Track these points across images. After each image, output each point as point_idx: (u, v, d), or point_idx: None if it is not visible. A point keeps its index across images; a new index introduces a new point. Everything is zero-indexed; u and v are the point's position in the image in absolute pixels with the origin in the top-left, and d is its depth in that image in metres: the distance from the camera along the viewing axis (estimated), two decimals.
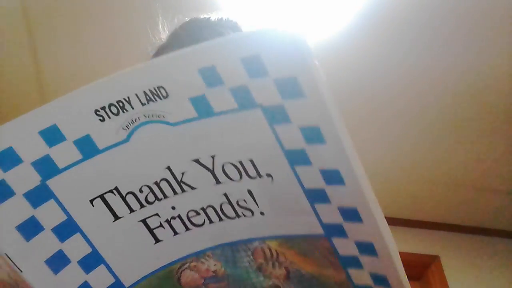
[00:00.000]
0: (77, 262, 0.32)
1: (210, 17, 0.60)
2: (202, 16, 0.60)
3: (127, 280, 0.34)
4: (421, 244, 2.24)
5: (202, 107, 0.28)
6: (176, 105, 0.28)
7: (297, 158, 0.30)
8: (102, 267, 0.33)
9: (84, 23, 1.60)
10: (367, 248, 0.32)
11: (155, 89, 0.27)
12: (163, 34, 0.61)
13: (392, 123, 1.88)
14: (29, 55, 1.70)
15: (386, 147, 1.97)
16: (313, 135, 0.28)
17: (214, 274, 0.36)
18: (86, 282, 0.33)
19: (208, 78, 0.27)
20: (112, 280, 0.34)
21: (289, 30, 0.25)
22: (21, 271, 0.30)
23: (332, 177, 0.29)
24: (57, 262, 0.31)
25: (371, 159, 2.01)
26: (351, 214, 0.31)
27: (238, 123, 0.29)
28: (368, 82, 1.72)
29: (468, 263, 2.23)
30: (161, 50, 0.59)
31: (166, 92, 0.28)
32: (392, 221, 2.28)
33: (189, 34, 0.57)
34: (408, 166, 2.06)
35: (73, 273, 0.32)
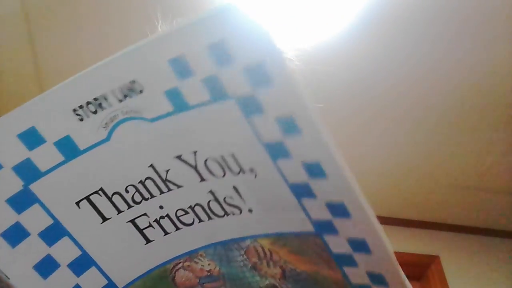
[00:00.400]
0: (67, 265, 0.32)
1: None
2: None
3: (120, 281, 0.34)
4: (421, 244, 2.24)
5: (177, 101, 0.28)
6: (152, 100, 0.28)
7: (277, 151, 0.29)
8: (93, 269, 0.33)
9: (84, 25, 1.60)
10: (360, 245, 0.32)
11: (129, 84, 0.27)
12: None
13: (393, 124, 1.88)
14: (29, 55, 1.70)
15: (386, 147, 1.97)
16: (289, 125, 0.27)
17: (208, 273, 0.36)
18: (77, 285, 0.32)
19: (179, 69, 0.26)
20: (105, 281, 0.33)
21: (250, 14, 0.24)
22: (8, 278, 0.30)
23: (314, 170, 0.29)
24: (46, 267, 0.31)
25: (372, 159, 2.01)
26: (339, 209, 0.30)
27: (213, 116, 0.28)
28: (370, 84, 1.72)
29: (468, 263, 2.23)
30: None
31: (141, 86, 0.27)
32: (392, 221, 2.28)
33: None
34: (408, 166, 2.06)
35: (63, 277, 0.32)
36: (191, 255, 0.35)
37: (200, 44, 0.25)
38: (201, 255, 0.35)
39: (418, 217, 2.31)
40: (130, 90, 0.27)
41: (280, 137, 0.28)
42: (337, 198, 0.30)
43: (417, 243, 2.23)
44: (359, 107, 1.80)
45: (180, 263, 0.35)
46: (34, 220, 0.30)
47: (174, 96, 0.27)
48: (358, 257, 0.32)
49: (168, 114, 0.28)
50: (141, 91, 0.27)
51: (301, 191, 0.31)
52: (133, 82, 0.27)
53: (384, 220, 2.27)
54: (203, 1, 1.47)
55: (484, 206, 2.24)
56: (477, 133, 1.89)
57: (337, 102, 1.75)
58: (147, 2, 1.41)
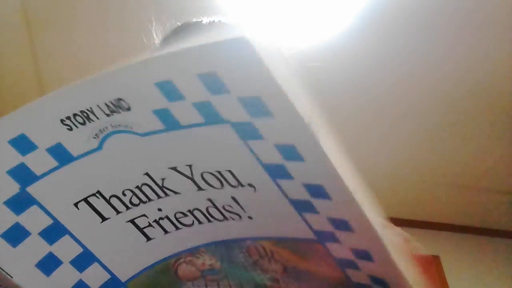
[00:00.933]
0: (69, 262, 0.32)
1: (201, 20, 0.59)
2: (194, 20, 0.60)
3: (123, 275, 0.34)
4: (421, 244, 2.23)
5: (168, 120, 0.27)
6: (141, 117, 0.27)
7: (277, 172, 0.29)
8: (96, 265, 0.33)
9: (84, 26, 1.60)
10: (363, 254, 0.32)
11: (115, 101, 0.27)
12: (157, 40, 0.61)
13: (393, 124, 1.88)
14: (29, 56, 1.70)
15: (386, 147, 1.97)
16: (290, 152, 0.27)
17: (210, 267, 0.36)
18: (81, 280, 0.33)
19: (168, 92, 0.26)
20: (108, 276, 0.34)
21: (245, 45, 0.22)
22: (12, 277, 0.30)
23: (318, 192, 0.29)
24: (48, 264, 0.31)
25: (372, 160, 2.01)
26: (341, 224, 0.30)
27: (208, 136, 0.28)
28: (370, 84, 1.72)
29: (468, 263, 2.23)
30: None
31: (127, 104, 0.27)
32: (392, 221, 2.27)
33: (180, 39, 0.57)
34: (408, 166, 2.06)
35: (66, 273, 0.32)
36: (192, 251, 0.35)
37: (189, 73, 0.25)
38: (202, 251, 0.35)
39: (418, 217, 2.31)
40: (117, 107, 0.27)
41: (280, 161, 0.28)
42: (340, 216, 0.30)
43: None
44: (360, 108, 1.80)
45: (181, 258, 0.36)
46: (34, 220, 0.30)
47: (164, 115, 0.27)
48: (361, 263, 0.32)
49: (159, 131, 0.28)
50: (128, 109, 0.27)
51: (303, 207, 0.30)
52: (119, 100, 0.27)
53: None
54: (199, 4, 1.47)
55: (484, 206, 2.25)
56: (477, 133, 1.89)
57: (337, 102, 1.75)
58: (145, 4, 1.41)
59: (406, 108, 1.81)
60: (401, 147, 1.97)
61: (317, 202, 0.30)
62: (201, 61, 0.24)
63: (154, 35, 0.62)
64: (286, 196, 0.30)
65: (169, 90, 0.26)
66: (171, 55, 0.25)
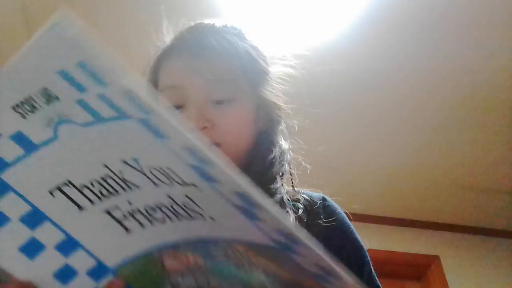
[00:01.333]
0: (54, 247, 0.33)
1: (215, 23, 0.60)
2: (207, 22, 0.61)
3: (110, 262, 0.35)
4: (421, 244, 2.24)
5: (92, 111, 0.28)
6: (71, 108, 0.28)
7: (205, 175, 0.28)
8: (81, 251, 0.34)
9: (88, 24, 1.60)
10: (326, 270, 0.30)
11: (43, 90, 0.27)
12: (167, 37, 0.61)
13: (394, 125, 1.88)
14: None
15: (388, 148, 1.98)
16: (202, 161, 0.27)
17: (195, 264, 0.36)
18: (67, 264, 0.33)
19: (73, 83, 0.26)
20: (94, 262, 0.34)
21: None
22: None
23: (247, 199, 0.28)
24: (32, 248, 0.32)
25: (372, 161, 2.01)
26: (290, 237, 0.29)
27: (127, 131, 0.28)
28: (371, 85, 1.72)
29: (468, 263, 2.23)
30: (166, 53, 0.59)
31: (54, 93, 0.27)
32: (393, 221, 2.28)
33: (196, 38, 0.58)
34: (409, 167, 2.06)
35: (51, 257, 0.33)
36: (174, 247, 0.35)
37: (70, 61, 0.25)
38: (183, 248, 0.35)
39: (418, 217, 2.32)
40: (48, 96, 0.27)
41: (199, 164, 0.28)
42: (281, 228, 0.29)
43: (417, 243, 2.23)
44: (360, 108, 1.80)
45: (164, 253, 0.35)
46: (12, 206, 0.31)
47: (87, 106, 0.27)
48: (332, 279, 0.31)
49: (92, 123, 0.28)
50: (57, 98, 0.27)
51: (247, 214, 0.30)
52: (45, 89, 0.27)
53: (385, 220, 2.28)
54: (198, 5, 1.47)
55: (484, 206, 2.25)
56: (477, 133, 1.89)
57: (339, 103, 1.75)
58: (145, 4, 1.41)
59: (407, 109, 1.81)
60: (402, 147, 1.98)
61: (256, 210, 0.29)
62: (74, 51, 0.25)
63: (165, 32, 0.62)
64: (229, 201, 0.29)
65: (72, 81, 0.26)
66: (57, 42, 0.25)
